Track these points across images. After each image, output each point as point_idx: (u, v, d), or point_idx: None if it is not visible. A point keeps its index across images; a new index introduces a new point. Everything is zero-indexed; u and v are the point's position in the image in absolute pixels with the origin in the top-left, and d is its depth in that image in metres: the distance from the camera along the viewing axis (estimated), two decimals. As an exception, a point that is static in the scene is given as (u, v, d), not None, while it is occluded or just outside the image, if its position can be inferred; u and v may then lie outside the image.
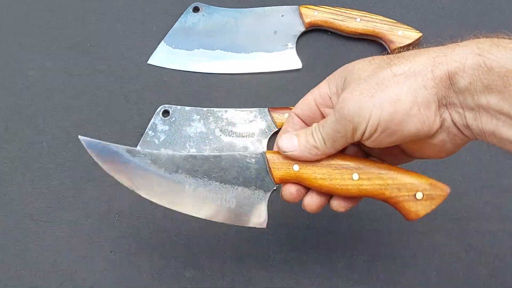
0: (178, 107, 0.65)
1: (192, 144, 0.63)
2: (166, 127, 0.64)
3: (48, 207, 0.63)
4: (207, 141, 0.64)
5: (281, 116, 0.63)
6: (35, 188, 0.63)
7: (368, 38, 0.67)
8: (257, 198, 0.44)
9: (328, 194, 0.43)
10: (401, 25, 0.66)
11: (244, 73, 0.68)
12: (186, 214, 0.45)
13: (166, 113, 0.65)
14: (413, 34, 0.65)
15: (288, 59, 0.67)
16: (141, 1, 0.72)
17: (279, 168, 0.43)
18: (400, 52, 0.40)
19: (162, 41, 0.69)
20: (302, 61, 0.67)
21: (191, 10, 0.70)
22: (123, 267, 0.60)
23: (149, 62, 0.69)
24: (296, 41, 0.68)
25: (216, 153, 0.45)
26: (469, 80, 0.34)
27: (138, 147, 0.63)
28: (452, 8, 0.68)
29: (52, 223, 0.62)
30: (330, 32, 0.68)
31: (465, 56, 0.34)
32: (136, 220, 0.58)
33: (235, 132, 0.63)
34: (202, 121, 0.64)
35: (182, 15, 0.70)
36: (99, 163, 0.46)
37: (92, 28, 0.71)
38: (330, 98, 0.42)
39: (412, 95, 0.35)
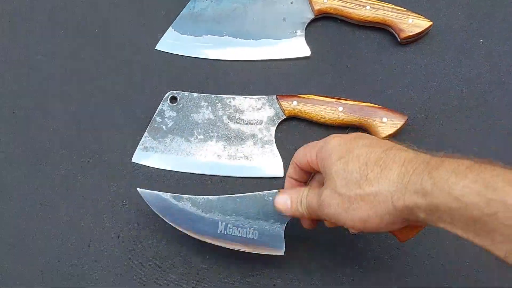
0: (186, 93, 0.64)
1: (200, 131, 0.63)
2: (174, 114, 0.64)
3: (55, 193, 0.63)
4: (214, 128, 0.63)
5: (289, 104, 0.63)
6: (42, 173, 0.64)
7: (378, 26, 0.66)
8: (275, 229, 0.53)
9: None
10: (411, 14, 0.65)
11: (253, 60, 0.67)
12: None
13: (174, 99, 0.65)
14: (423, 23, 0.64)
15: (296, 47, 0.67)
16: (149, -14, 0.71)
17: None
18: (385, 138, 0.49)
19: (170, 27, 0.69)
20: (311, 48, 0.67)
21: (199, -4, 0.70)
22: (131, 252, 0.60)
23: (157, 47, 0.68)
24: (305, 29, 0.67)
25: (241, 194, 0.54)
26: (424, 214, 0.39)
27: (145, 134, 0.63)
28: (463, -3, 0.68)
29: (59, 208, 0.62)
30: (340, 19, 0.68)
31: (416, 197, 0.39)
32: (144, 205, 0.58)
33: (243, 119, 0.63)
34: (210, 108, 0.63)
35: (190, 1, 0.69)
36: (155, 210, 0.57)
37: (100, 13, 0.70)
38: (309, 163, 0.50)
39: (379, 219, 0.42)
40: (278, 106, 0.63)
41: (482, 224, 0.35)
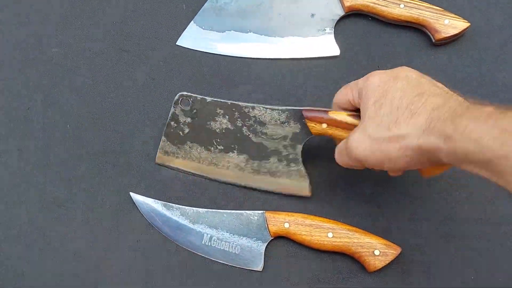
0: (198, 97, 0.58)
1: (219, 141, 0.59)
2: (189, 119, 0.60)
3: (72, 193, 0.61)
4: (235, 140, 0.59)
5: (317, 126, 0.54)
6: (59, 173, 0.62)
7: (412, 25, 0.63)
8: (257, 247, 0.57)
9: None
10: (448, 14, 0.61)
11: (278, 58, 0.64)
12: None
13: (185, 103, 0.59)
14: (460, 24, 0.61)
15: (325, 45, 0.64)
16: (170, -23, 0.68)
17: (274, 225, 0.57)
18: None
19: (192, 22, 0.66)
20: (340, 47, 0.64)
21: (223, -11, 0.66)
22: (150, 258, 0.59)
23: (178, 43, 0.66)
24: (335, 26, 0.64)
25: (228, 211, 0.59)
26: (446, 156, 0.42)
27: (163, 138, 0.61)
28: (503, -5, 0.64)
29: (75, 210, 0.61)
30: (371, 17, 0.64)
31: (438, 140, 0.42)
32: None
33: (265, 133, 0.58)
34: (226, 117, 0.58)
35: (213, -6, 0.66)
36: (144, 216, 0.60)
37: (118, 6, 0.67)
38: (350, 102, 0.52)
39: (407, 158, 0.45)
40: (304, 123, 0.55)
41: (496, 165, 0.38)
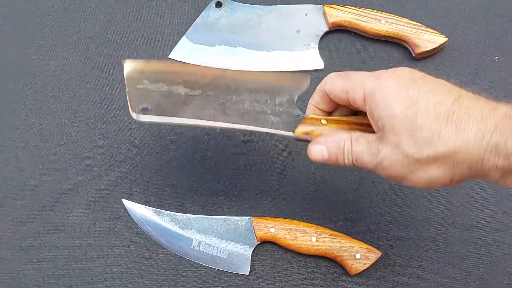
0: None
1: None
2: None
3: (66, 199, 0.63)
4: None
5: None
6: (54, 179, 0.64)
7: (392, 40, 0.66)
8: (244, 251, 0.59)
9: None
10: (427, 29, 0.64)
11: (266, 71, 0.67)
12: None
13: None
14: (439, 39, 0.64)
15: (310, 59, 0.67)
16: (163, -6, 0.71)
17: (260, 230, 0.59)
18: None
19: (184, 36, 0.69)
20: (324, 61, 0.66)
21: (213, 5, 0.69)
22: (141, 261, 0.61)
23: (170, 56, 0.68)
24: (319, 41, 0.67)
25: (216, 216, 0.60)
26: (501, 175, 0.37)
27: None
28: (479, 13, 0.67)
29: (70, 215, 0.62)
30: (354, 33, 0.67)
31: (497, 158, 0.36)
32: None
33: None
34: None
35: (204, 10, 0.69)
36: (135, 221, 0.62)
37: (113, 20, 0.71)
38: (347, 99, 0.44)
39: (449, 179, 0.39)
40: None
41: None
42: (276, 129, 0.49)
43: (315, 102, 0.48)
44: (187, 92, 0.51)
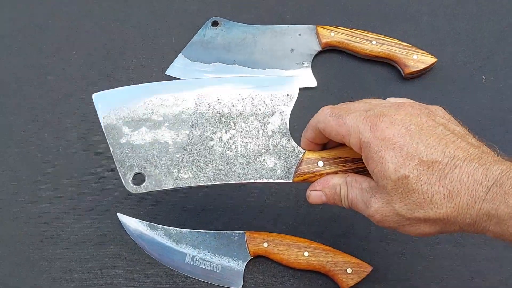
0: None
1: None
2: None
3: (62, 212, 0.64)
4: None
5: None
6: (49, 193, 0.64)
7: (383, 60, 0.68)
8: (237, 265, 0.59)
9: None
10: (416, 50, 0.66)
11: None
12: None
13: None
14: (428, 59, 0.66)
15: (303, 77, 0.68)
16: (160, 12, 0.73)
17: (253, 244, 0.59)
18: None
19: (180, 53, 0.70)
20: (317, 79, 0.68)
21: (210, 24, 0.71)
22: (135, 276, 0.61)
23: (166, 73, 0.70)
24: (312, 60, 0.69)
25: (210, 231, 0.61)
26: (492, 235, 0.37)
27: None
28: (468, 34, 0.69)
29: (65, 228, 0.63)
30: (346, 53, 0.69)
31: (488, 223, 0.37)
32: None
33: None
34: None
35: (201, 29, 0.71)
36: (130, 235, 0.62)
37: (111, 37, 0.72)
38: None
39: (438, 233, 0.40)
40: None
41: None
42: (273, 179, 0.49)
43: (310, 137, 0.48)
44: (173, 138, 0.49)
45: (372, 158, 0.40)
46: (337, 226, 0.62)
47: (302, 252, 0.59)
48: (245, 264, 0.60)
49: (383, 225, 0.42)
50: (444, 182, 0.37)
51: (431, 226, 0.39)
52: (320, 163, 0.48)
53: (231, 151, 0.49)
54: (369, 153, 0.40)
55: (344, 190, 0.45)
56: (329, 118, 0.44)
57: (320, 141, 0.48)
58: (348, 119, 0.42)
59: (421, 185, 0.38)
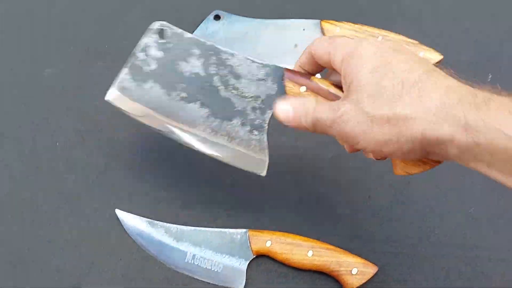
0: (178, 31, 0.54)
1: (184, 86, 0.52)
2: (160, 54, 0.53)
3: (59, 210, 0.62)
4: (201, 91, 0.52)
5: (295, 88, 0.49)
6: (46, 190, 0.63)
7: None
8: (239, 265, 0.58)
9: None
10: (422, 46, 0.66)
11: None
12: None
13: (161, 34, 0.54)
14: (434, 56, 0.65)
15: (307, 73, 0.67)
16: (162, 6, 0.72)
17: (256, 243, 0.58)
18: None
19: (183, 48, 0.69)
20: (321, 74, 0.67)
21: (212, 18, 0.70)
22: (132, 274, 0.60)
23: (167, 67, 0.69)
24: (316, 56, 0.68)
25: (211, 229, 0.60)
26: (457, 151, 0.36)
27: (125, 70, 0.54)
28: (473, 32, 0.69)
29: (62, 227, 0.62)
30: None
31: (455, 130, 0.36)
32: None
33: (237, 88, 0.51)
34: (201, 60, 0.52)
35: (202, 22, 0.70)
36: (128, 233, 0.61)
37: (110, 31, 0.71)
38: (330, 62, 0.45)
39: (398, 145, 0.39)
40: (282, 84, 0.50)
41: None
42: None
43: (301, 63, 0.49)
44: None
45: (350, 65, 0.41)
46: (341, 225, 0.61)
47: (306, 251, 0.58)
48: (247, 263, 0.59)
49: (346, 129, 0.41)
50: (418, 86, 0.37)
51: (392, 129, 0.38)
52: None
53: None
54: (349, 63, 0.41)
55: (312, 104, 0.44)
56: (323, 39, 0.46)
57: (310, 69, 0.49)
58: (339, 39, 0.45)
59: (394, 84, 0.38)
